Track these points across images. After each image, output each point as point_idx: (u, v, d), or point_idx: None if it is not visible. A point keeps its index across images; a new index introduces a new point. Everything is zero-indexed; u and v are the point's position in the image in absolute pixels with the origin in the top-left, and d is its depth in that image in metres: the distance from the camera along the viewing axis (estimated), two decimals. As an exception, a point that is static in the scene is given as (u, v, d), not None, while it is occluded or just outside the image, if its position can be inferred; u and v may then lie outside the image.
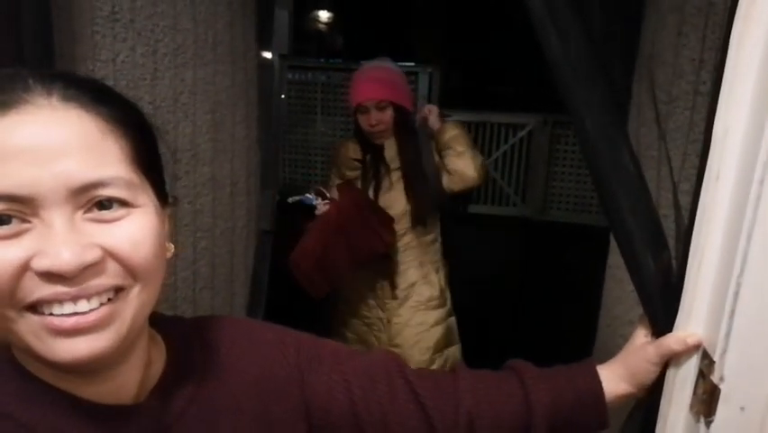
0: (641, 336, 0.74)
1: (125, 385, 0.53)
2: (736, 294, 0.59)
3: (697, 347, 0.66)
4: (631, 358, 0.73)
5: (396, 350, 1.95)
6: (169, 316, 0.61)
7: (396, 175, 1.98)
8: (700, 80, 1.06)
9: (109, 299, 0.46)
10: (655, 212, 0.71)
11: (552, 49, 0.68)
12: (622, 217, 0.71)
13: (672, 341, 0.66)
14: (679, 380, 0.68)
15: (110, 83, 1.23)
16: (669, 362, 0.69)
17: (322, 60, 7.17)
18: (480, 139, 5.73)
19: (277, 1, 1.99)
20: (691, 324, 0.67)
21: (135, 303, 0.48)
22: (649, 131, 1.12)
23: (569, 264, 4.24)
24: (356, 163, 2.01)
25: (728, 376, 0.60)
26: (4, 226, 0.43)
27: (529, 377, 0.73)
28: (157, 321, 0.57)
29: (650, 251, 0.71)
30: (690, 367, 0.67)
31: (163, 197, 0.53)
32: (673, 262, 0.72)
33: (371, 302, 2.04)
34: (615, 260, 1.56)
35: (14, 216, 0.43)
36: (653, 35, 1.32)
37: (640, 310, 1.36)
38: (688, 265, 0.67)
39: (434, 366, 2.00)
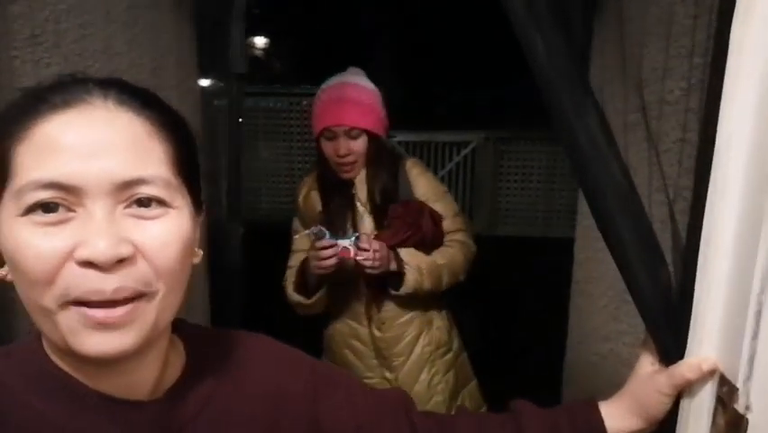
0: (647, 363, 0.68)
1: (141, 382, 0.54)
2: (758, 313, 0.54)
3: (712, 373, 0.61)
4: (640, 389, 0.67)
5: None
6: (191, 323, 0.63)
7: (369, 220, 1.61)
8: (666, 89, 1.04)
9: (135, 299, 0.48)
10: (651, 228, 0.66)
11: (539, 59, 0.63)
12: (618, 235, 0.66)
13: (686, 369, 0.61)
14: (695, 410, 0.63)
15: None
16: (682, 391, 0.64)
17: (261, 86, 7.05)
18: (424, 159, 5.74)
19: (230, 23, 1.83)
20: (704, 348, 0.62)
21: (159, 306, 0.50)
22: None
23: (525, 277, 4.27)
24: (321, 216, 1.63)
25: (756, 404, 0.55)
26: (52, 214, 0.46)
27: (527, 418, 0.72)
28: (179, 326, 0.59)
29: (649, 270, 0.66)
30: (706, 395, 0.62)
31: (198, 203, 0.56)
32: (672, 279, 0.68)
33: (373, 362, 1.70)
34: (581, 274, 1.53)
35: (61, 204, 0.46)
36: (608, 46, 1.31)
37: (616, 326, 1.34)
38: (696, 284, 0.62)
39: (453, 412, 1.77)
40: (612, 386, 1.34)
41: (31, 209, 0.46)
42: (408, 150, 4.95)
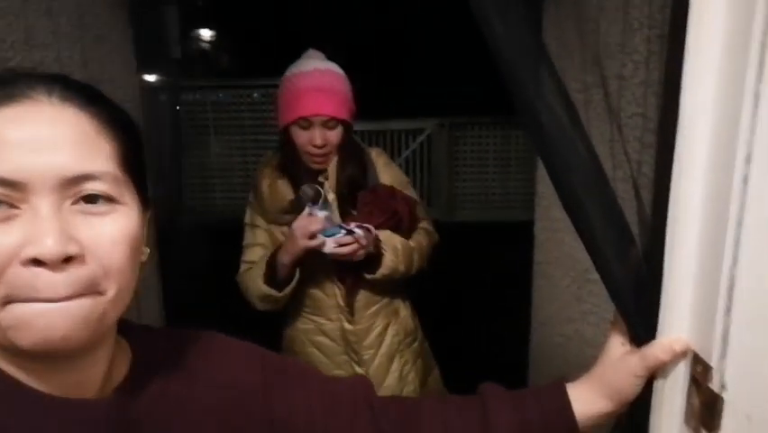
0: (617, 344, 0.66)
1: (90, 380, 0.53)
2: (731, 288, 0.52)
3: (685, 353, 0.59)
4: (611, 372, 0.65)
5: None
6: (136, 324, 0.62)
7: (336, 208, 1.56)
8: (621, 63, 1.03)
9: (82, 295, 0.47)
10: (619, 207, 0.63)
11: (497, 39, 0.59)
12: (586, 215, 0.63)
13: (659, 349, 0.59)
14: (668, 390, 0.61)
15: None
16: (655, 372, 0.62)
17: (209, 79, 6.84)
18: (380, 147, 5.70)
19: (164, 8, 1.72)
20: (675, 327, 0.60)
21: (108, 304, 0.49)
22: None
23: (485, 262, 4.30)
24: (292, 205, 1.54)
25: (731, 383, 0.53)
26: None
27: (493, 401, 0.70)
28: (123, 327, 0.58)
29: (617, 248, 0.63)
30: (680, 375, 0.60)
31: (145, 201, 0.55)
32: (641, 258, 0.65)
33: (342, 358, 1.65)
34: (541, 255, 1.52)
35: (4, 202, 0.45)
36: (565, 22, 1.29)
37: (580, 306, 1.33)
38: (665, 262, 0.59)
39: None
40: (578, 367, 1.34)
41: None
42: (364, 139, 4.89)
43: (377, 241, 1.50)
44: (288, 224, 1.52)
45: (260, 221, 1.63)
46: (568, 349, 1.36)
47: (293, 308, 1.66)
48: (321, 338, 1.64)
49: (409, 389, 1.68)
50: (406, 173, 5.92)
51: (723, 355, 0.54)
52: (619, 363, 0.64)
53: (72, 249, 0.45)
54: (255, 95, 6.06)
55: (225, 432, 0.61)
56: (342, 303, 1.60)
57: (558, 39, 1.25)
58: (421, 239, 1.64)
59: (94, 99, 0.51)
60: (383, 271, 1.51)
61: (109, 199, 0.49)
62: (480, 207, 6.23)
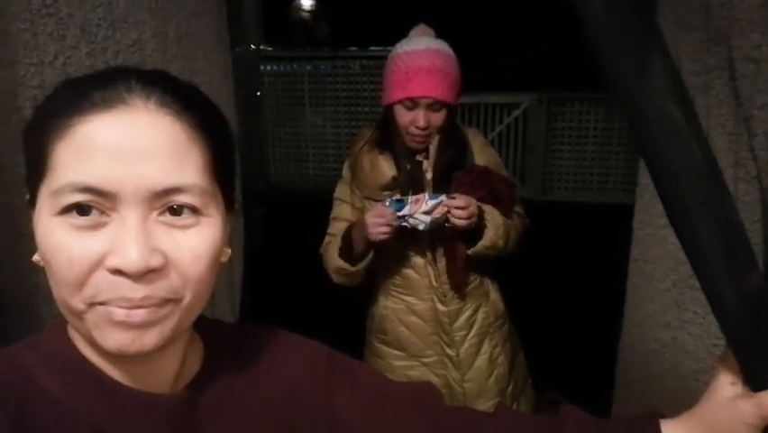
0: (726, 383, 0.57)
1: (163, 375, 0.55)
2: None
3: (811, 404, 0.49)
4: (717, 413, 0.57)
5: (468, 385, 1.62)
6: (209, 318, 0.63)
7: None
8: (752, 44, 0.89)
9: (161, 306, 0.48)
10: (740, 223, 0.54)
11: (594, 12, 0.51)
12: (695, 231, 0.54)
13: None
14: (785, 444, 0.52)
15: (46, 90, 1.06)
16: (769, 421, 0.53)
17: (307, 49, 6.93)
18: (474, 120, 5.55)
19: None
20: (802, 372, 0.50)
21: (183, 310, 0.50)
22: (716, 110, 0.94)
23: (576, 246, 4.10)
24: (395, 181, 1.52)
25: None
26: (85, 217, 0.46)
27: (573, 428, 0.64)
28: (197, 322, 0.58)
29: (733, 273, 0.54)
30: (802, 428, 0.51)
31: (230, 203, 0.55)
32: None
33: (432, 338, 1.62)
34: (641, 252, 1.39)
35: (95, 208, 0.46)
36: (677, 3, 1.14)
37: (680, 313, 1.21)
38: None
39: (510, 388, 1.67)
40: (672, 377, 1.23)
41: (66, 210, 0.46)
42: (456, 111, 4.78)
43: (480, 212, 1.47)
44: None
45: (349, 196, 1.64)
46: (663, 357, 1.25)
47: (383, 286, 1.66)
48: (412, 318, 1.63)
49: (499, 371, 1.65)
50: (500, 149, 5.78)
51: None
52: (728, 406, 0.56)
53: (154, 262, 0.46)
54: (354, 66, 6.07)
55: (287, 432, 0.61)
56: (435, 283, 1.58)
57: (674, 10, 1.11)
58: (516, 221, 1.60)
59: (190, 104, 0.50)
60: (485, 243, 1.48)
61: (194, 211, 0.49)
62: (576, 188, 5.93)
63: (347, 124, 6.14)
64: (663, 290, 1.25)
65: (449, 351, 1.62)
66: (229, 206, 0.55)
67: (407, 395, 0.69)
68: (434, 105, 1.45)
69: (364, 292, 1.76)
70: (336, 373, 0.67)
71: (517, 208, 1.63)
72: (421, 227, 1.44)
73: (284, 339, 0.67)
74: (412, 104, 1.45)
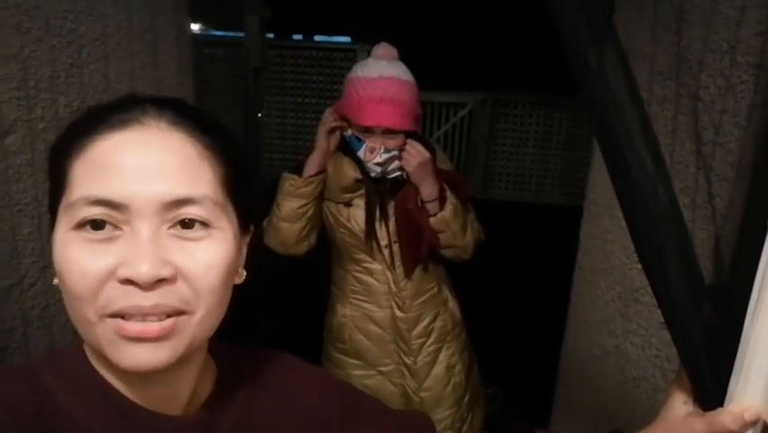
0: (679, 402, 0.64)
1: (177, 396, 0.55)
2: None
3: (755, 423, 0.56)
4: (672, 430, 0.63)
5: (425, 394, 1.66)
6: (223, 343, 0.62)
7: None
8: (701, 85, 0.97)
9: (173, 316, 0.48)
10: (695, 258, 0.60)
11: (588, 67, 0.55)
12: (662, 265, 0.60)
13: (728, 419, 0.57)
14: (731, 457, 0.59)
15: (14, 84, 1.01)
16: (719, 437, 0.60)
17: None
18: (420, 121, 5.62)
19: None
20: (748, 394, 0.57)
21: (198, 326, 0.50)
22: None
23: (518, 242, 4.26)
24: (358, 184, 1.54)
25: (806, 464, 0.51)
26: (99, 231, 0.47)
27: None
28: (211, 346, 0.59)
29: (693, 305, 0.60)
30: (746, 443, 0.58)
31: (245, 224, 0.56)
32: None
33: (390, 347, 1.64)
34: (587, 262, 1.49)
35: (108, 222, 0.47)
36: (629, 27, 1.22)
37: (624, 323, 1.30)
38: (746, 323, 0.57)
39: (466, 397, 1.71)
40: (614, 382, 1.33)
41: (81, 225, 0.47)
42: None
43: (441, 188, 1.51)
44: (348, 202, 1.55)
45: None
46: (606, 363, 1.34)
47: (341, 294, 1.67)
48: (371, 326, 1.64)
49: (456, 380, 1.68)
50: (444, 148, 5.86)
51: (800, 434, 0.51)
52: (682, 424, 0.62)
53: (164, 272, 0.47)
54: (301, 56, 6.00)
55: None
56: (394, 288, 1.60)
57: (628, 39, 1.19)
58: (474, 222, 1.64)
59: (201, 125, 0.52)
60: (444, 213, 1.51)
61: (205, 225, 0.50)
62: (515, 188, 6.14)
63: (293, 114, 6.09)
64: (608, 300, 1.34)
65: (406, 359, 1.65)
66: (244, 226, 0.56)
67: (410, 424, 0.71)
68: (388, 134, 1.46)
69: (322, 302, 1.77)
70: (347, 406, 0.67)
71: (472, 216, 1.67)
72: (372, 174, 1.51)
73: (296, 366, 0.68)
74: (366, 132, 1.47)
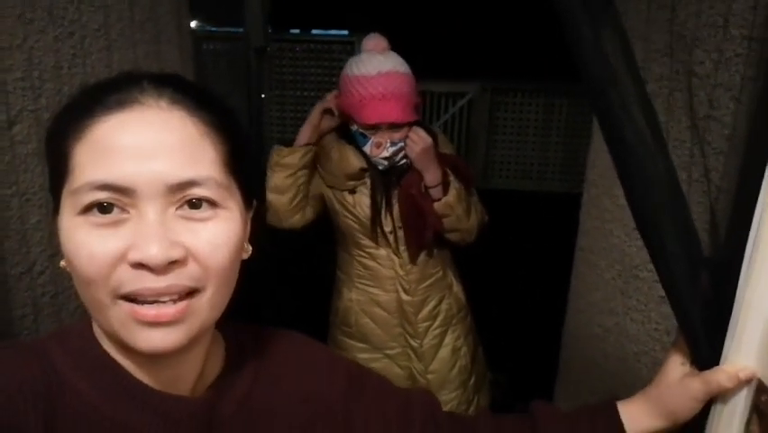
0: (677, 364, 0.66)
1: (185, 376, 0.55)
2: (809, 327, 0.51)
3: (749, 381, 0.58)
4: (668, 392, 0.65)
5: (432, 376, 1.68)
6: (230, 321, 0.62)
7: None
8: (695, 60, 0.98)
9: (185, 297, 0.49)
10: (694, 228, 0.62)
11: (584, 44, 0.57)
12: (659, 234, 0.61)
13: (723, 377, 0.59)
14: (726, 416, 0.61)
15: (19, 74, 1.03)
16: (714, 396, 0.62)
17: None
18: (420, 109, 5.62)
19: None
20: (742, 354, 0.59)
21: (208, 304, 0.50)
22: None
23: (519, 231, 4.27)
24: (362, 172, 1.56)
25: (798, 419, 0.53)
26: (107, 215, 0.47)
27: (546, 422, 0.71)
28: (219, 324, 0.59)
29: (688, 269, 0.62)
30: (740, 402, 0.60)
31: (248, 200, 0.56)
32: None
33: (396, 330, 1.67)
34: (587, 243, 1.50)
35: (115, 205, 0.47)
36: (626, 8, 1.23)
37: (624, 300, 1.32)
38: (739, 286, 0.58)
39: (472, 381, 1.73)
40: (615, 359, 1.35)
41: (87, 209, 0.47)
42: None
43: (444, 169, 1.53)
44: (352, 189, 1.57)
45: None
46: (607, 342, 1.36)
47: (347, 279, 1.68)
48: (377, 309, 1.66)
49: (461, 363, 1.70)
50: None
51: (792, 391, 0.53)
52: (678, 384, 0.64)
53: (175, 254, 0.47)
54: (297, 48, 6.00)
55: None
56: (400, 272, 1.62)
57: (632, 20, 1.20)
58: (478, 205, 1.66)
59: (201, 102, 0.51)
60: (448, 198, 1.53)
61: (212, 204, 0.50)
62: (516, 176, 6.15)
63: (292, 108, 6.09)
64: (608, 279, 1.35)
65: (413, 342, 1.67)
66: (248, 202, 0.56)
67: (417, 404, 0.72)
68: (393, 128, 1.48)
69: (329, 287, 1.78)
70: (354, 385, 0.68)
71: (476, 201, 1.68)
72: (380, 167, 1.54)
73: (304, 345, 0.68)
74: (371, 129, 1.49)
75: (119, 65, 1.24)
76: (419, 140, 1.49)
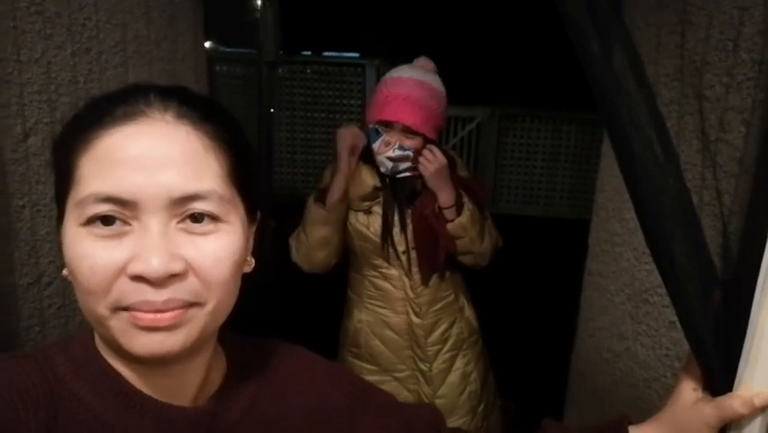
0: (688, 388, 0.64)
1: (187, 386, 0.55)
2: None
3: (764, 408, 0.57)
4: (681, 416, 0.63)
5: (440, 401, 1.65)
6: (233, 333, 0.63)
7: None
8: (706, 84, 0.98)
9: (185, 306, 0.49)
10: (705, 244, 0.61)
11: (591, 58, 0.57)
12: (669, 250, 0.61)
13: (738, 403, 0.57)
14: (741, 442, 0.60)
15: (36, 87, 1.05)
16: (728, 423, 0.60)
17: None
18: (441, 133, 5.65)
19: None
20: (757, 380, 0.58)
21: (208, 315, 0.50)
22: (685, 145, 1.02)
23: (527, 257, 4.25)
24: (377, 192, 1.57)
25: (815, 445, 0.51)
26: (109, 227, 0.47)
27: None
28: (221, 335, 0.59)
29: (700, 288, 0.61)
30: (755, 428, 0.58)
31: (251, 213, 0.56)
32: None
33: (406, 353, 1.66)
34: (596, 267, 1.49)
35: (118, 218, 0.47)
36: (635, 32, 1.24)
37: (634, 325, 1.30)
38: (753, 308, 0.57)
39: (482, 406, 1.71)
40: (624, 385, 1.33)
41: (90, 221, 0.47)
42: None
43: (458, 194, 1.53)
44: (367, 209, 1.57)
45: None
46: (616, 367, 1.34)
47: (358, 300, 1.68)
48: (387, 332, 1.65)
49: (471, 388, 1.68)
50: (453, 161, 5.86)
51: (808, 416, 0.52)
52: (691, 409, 0.62)
53: (175, 267, 0.47)
54: (308, 71, 6.07)
55: None
56: (411, 294, 1.61)
57: (643, 44, 1.21)
58: (492, 229, 1.65)
59: (207, 115, 0.52)
60: (461, 219, 1.52)
61: (214, 218, 0.50)
62: (524, 201, 6.14)
63: (303, 129, 6.14)
64: (618, 303, 1.34)
65: (422, 366, 1.65)
66: (251, 215, 0.56)
67: (422, 418, 0.71)
68: (407, 132, 1.49)
69: (339, 309, 1.78)
70: (357, 397, 0.68)
71: (491, 225, 1.67)
72: (382, 169, 1.53)
73: (306, 358, 0.68)
74: (386, 127, 1.49)
75: (134, 81, 1.26)
76: (434, 159, 1.49)
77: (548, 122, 5.91)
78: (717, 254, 0.92)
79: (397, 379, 1.67)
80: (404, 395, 1.66)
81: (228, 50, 5.92)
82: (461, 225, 1.53)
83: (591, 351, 1.50)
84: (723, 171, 0.91)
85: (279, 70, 6.08)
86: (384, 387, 1.63)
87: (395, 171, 1.53)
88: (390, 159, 1.50)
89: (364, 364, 1.68)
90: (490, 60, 6.32)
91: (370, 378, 1.65)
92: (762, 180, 0.62)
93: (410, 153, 1.49)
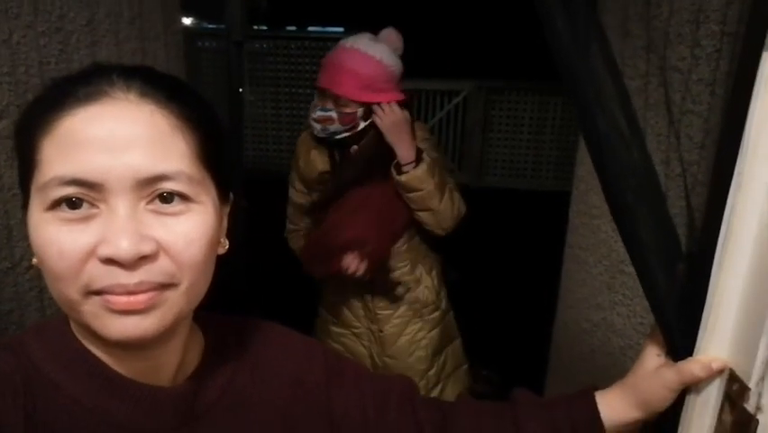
0: (652, 354, 0.66)
1: (164, 367, 0.55)
2: (779, 315, 0.52)
3: (721, 372, 0.59)
4: (644, 382, 0.66)
5: (389, 360, 1.75)
6: (208, 312, 0.62)
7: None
8: (678, 56, 0.99)
9: (158, 288, 0.48)
10: (670, 219, 0.63)
11: (557, 35, 0.57)
12: (634, 225, 0.62)
13: (696, 367, 0.59)
14: (700, 405, 0.62)
15: (6, 69, 1.03)
16: (688, 386, 0.62)
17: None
18: (415, 107, 5.63)
19: None
20: (715, 344, 0.60)
21: (182, 296, 0.50)
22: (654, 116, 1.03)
23: (513, 229, 4.29)
24: (322, 176, 1.62)
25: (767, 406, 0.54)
26: (76, 210, 0.46)
27: (525, 409, 0.71)
28: (197, 315, 0.59)
29: (663, 260, 0.63)
30: (713, 391, 0.60)
31: (224, 194, 0.55)
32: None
33: (360, 312, 1.75)
34: (576, 239, 1.51)
35: (85, 201, 0.46)
36: (611, 3, 1.24)
37: (611, 295, 1.33)
38: (711, 279, 0.59)
39: (432, 371, 1.78)
40: (602, 354, 1.36)
41: (56, 204, 0.46)
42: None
43: (419, 150, 1.52)
44: (319, 193, 1.61)
45: (298, 184, 1.72)
46: (594, 336, 1.37)
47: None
48: (347, 292, 1.76)
49: (420, 354, 1.75)
50: (439, 136, 5.86)
51: (763, 378, 0.54)
52: (653, 374, 0.65)
53: (146, 248, 0.46)
54: (292, 46, 5.99)
55: (288, 428, 0.63)
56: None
57: (614, 17, 1.21)
58: (455, 193, 1.64)
59: (173, 95, 0.50)
60: (416, 171, 1.50)
61: (184, 198, 0.49)
62: (511, 174, 6.16)
63: (287, 105, 6.09)
64: (596, 274, 1.36)
65: (372, 326, 1.75)
66: (224, 196, 0.55)
67: (395, 389, 0.72)
68: (339, 100, 1.51)
69: (315, 286, 1.86)
70: (333, 371, 0.68)
71: (453, 189, 1.65)
72: (315, 132, 1.57)
73: (283, 335, 0.68)
74: (323, 95, 1.53)
75: (105, 61, 1.24)
76: (389, 112, 1.50)
77: (534, 94, 5.89)
78: (683, 225, 0.94)
79: (354, 334, 1.78)
80: (360, 350, 1.78)
81: (211, 26, 5.82)
82: (417, 176, 1.51)
83: (570, 322, 1.53)
84: (693, 143, 0.92)
85: (264, 46, 6.01)
86: (344, 340, 1.78)
87: (329, 134, 1.55)
88: (315, 120, 1.54)
89: (329, 317, 1.81)
90: (476, 34, 6.27)
91: (334, 329, 1.81)
92: (724, 151, 0.63)
93: (332, 114, 1.52)
